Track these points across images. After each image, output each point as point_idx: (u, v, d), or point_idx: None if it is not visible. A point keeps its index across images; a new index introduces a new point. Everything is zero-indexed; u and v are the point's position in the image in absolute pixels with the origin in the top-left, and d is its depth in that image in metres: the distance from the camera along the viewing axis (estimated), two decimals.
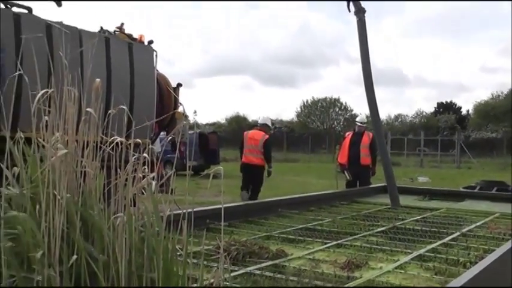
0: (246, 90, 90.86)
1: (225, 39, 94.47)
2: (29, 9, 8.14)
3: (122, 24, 9.74)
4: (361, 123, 11.94)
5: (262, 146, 11.38)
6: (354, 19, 8.73)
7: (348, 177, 11.67)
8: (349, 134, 12.16)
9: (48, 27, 7.13)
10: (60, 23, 7.35)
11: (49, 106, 2.62)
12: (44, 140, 2.58)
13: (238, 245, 4.51)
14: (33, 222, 2.39)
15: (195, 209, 2.65)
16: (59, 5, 8.85)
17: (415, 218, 7.02)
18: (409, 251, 4.90)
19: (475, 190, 11.32)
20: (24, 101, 2.63)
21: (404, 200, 8.88)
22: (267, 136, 11.64)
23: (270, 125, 12.33)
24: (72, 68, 2.67)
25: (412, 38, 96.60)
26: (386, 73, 73.81)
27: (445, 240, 5.46)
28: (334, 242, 5.20)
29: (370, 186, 10.80)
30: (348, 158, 11.70)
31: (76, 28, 7.94)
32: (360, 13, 8.72)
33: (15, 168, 2.55)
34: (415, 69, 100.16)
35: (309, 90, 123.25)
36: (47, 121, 2.60)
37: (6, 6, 7.83)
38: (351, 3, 8.72)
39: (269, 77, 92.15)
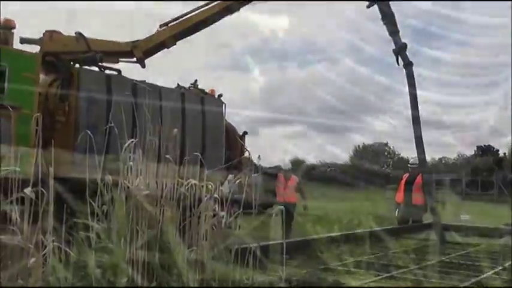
0: (303, 137, 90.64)
1: (284, 94, 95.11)
2: (118, 71, 8.48)
3: (196, 80, 9.97)
4: (411, 165, 11.58)
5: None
6: (399, 72, 8.67)
7: (396, 216, 11.33)
8: (405, 176, 11.80)
9: (134, 85, 7.37)
10: (144, 82, 7.60)
11: (134, 153, 2.67)
12: (128, 182, 2.63)
13: (299, 276, 4.43)
14: (119, 252, 2.42)
15: (259, 243, 2.62)
16: (143, 66, 9.20)
17: (459, 253, 6.74)
18: (456, 283, 4.70)
19: None
20: (113, 148, 2.69)
21: (449, 236, 8.56)
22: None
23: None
24: (154, 119, 2.73)
25: (447, 87, 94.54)
26: (427, 119, 71.83)
27: (488, 273, 5.21)
28: (386, 274, 5.04)
29: (418, 223, 10.44)
30: (403, 197, 11.36)
31: (157, 85, 8.19)
32: (409, 66, 8.64)
33: (104, 206, 2.60)
34: (452, 116, 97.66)
35: (360, 136, 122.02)
36: (131, 166, 2.65)
37: (100, 70, 8.19)
38: (399, 57, 8.68)
39: (323, 126, 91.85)
